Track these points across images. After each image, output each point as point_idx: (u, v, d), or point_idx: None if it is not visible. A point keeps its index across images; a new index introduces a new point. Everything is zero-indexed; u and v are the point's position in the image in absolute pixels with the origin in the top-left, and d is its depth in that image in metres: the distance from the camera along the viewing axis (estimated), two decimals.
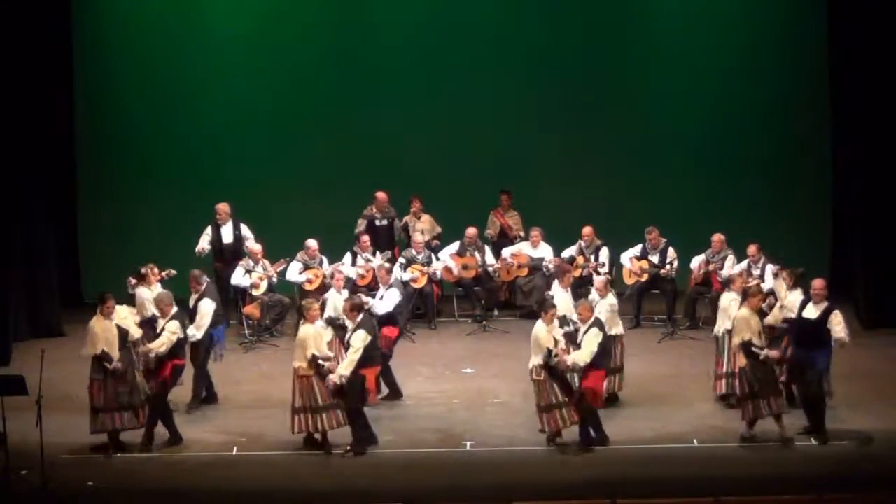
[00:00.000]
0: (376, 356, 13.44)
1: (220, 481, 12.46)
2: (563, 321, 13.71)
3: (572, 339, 13.37)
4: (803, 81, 18.58)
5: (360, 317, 13.28)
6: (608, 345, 13.37)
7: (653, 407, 14.09)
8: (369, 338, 13.13)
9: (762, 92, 18.69)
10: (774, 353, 13.03)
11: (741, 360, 13.05)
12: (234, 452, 13.11)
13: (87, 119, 18.45)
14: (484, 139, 18.81)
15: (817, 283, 13.25)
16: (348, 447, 13.04)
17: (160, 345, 13.20)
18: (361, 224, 17.80)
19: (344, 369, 12.93)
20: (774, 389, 13.03)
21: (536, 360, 12.87)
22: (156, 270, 14.68)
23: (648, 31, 18.92)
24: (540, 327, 12.95)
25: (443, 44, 18.89)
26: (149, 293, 14.37)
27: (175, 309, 13.47)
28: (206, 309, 14.10)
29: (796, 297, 13.49)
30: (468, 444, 13.23)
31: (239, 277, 16.59)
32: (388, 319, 14.59)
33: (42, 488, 12.07)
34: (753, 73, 18.67)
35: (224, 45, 18.77)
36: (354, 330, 13.17)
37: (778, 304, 13.76)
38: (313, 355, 12.87)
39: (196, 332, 13.92)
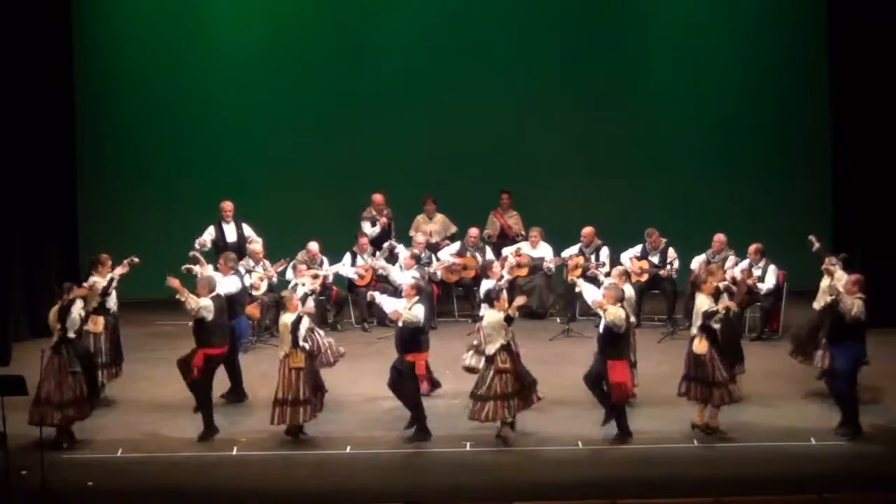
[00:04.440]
0: (424, 341, 13.44)
1: (220, 481, 12.45)
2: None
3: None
4: (804, 82, 18.62)
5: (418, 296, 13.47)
6: (628, 333, 13.35)
7: (653, 407, 14.08)
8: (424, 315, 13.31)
9: (763, 92, 18.74)
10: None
11: (700, 347, 13.08)
12: (234, 452, 13.11)
13: (87, 119, 18.45)
14: (484, 139, 18.83)
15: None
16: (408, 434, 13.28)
17: (192, 299, 13.28)
18: (367, 226, 17.84)
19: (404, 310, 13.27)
20: (726, 382, 13.15)
21: (494, 347, 12.99)
22: (105, 259, 14.60)
23: (649, 32, 18.96)
24: (492, 314, 13.08)
25: (444, 44, 18.93)
26: (101, 280, 14.35)
27: (214, 294, 13.51)
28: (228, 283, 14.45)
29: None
30: (468, 444, 13.23)
31: None
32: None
33: (42, 488, 12.07)
34: (754, 74, 18.72)
35: (224, 45, 18.80)
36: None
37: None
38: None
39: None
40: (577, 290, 14.55)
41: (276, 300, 16.64)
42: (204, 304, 13.30)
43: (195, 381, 13.37)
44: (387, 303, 14.04)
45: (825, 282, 14.05)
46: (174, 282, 13.45)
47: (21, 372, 12.79)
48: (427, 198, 18.27)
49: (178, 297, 13.36)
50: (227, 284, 14.48)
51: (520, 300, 13.44)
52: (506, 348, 13.09)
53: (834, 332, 13.30)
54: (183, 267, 15.02)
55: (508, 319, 13.07)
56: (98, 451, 13.12)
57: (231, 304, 14.25)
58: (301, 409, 13.07)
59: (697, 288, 13.52)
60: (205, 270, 14.68)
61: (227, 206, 17.28)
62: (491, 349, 13.08)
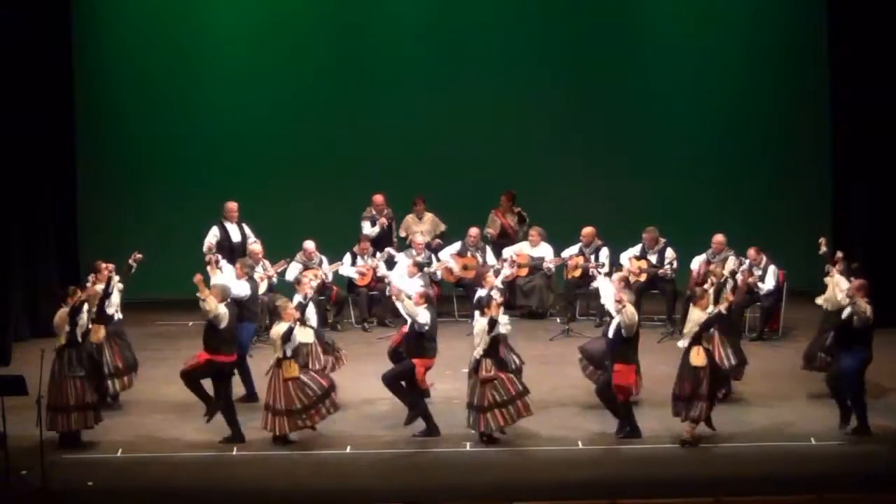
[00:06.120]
0: (430, 348, 13.44)
1: (220, 481, 12.46)
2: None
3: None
4: (805, 82, 18.61)
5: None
6: (637, 337, 13.32)
7: (652, 407, 14.08)
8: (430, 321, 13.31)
9: (763, 92, 18.73)
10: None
11: (698, 360, 13.02)
12: (234, 452, 13.11)
13: (87, 119, 18.44)
14: (485, 139, 18.84)
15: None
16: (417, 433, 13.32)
17: (212, 301, 13.14)
18: (367, 226, 17.83)
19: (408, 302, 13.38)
20: (708, 398, 13.07)
21: (478, 353, 13.03)
22: (101, 266, 14.52)
23: (649, 31, 18.97)
24: (481, 322, 13.09)
25: (443, 44, 18.94)
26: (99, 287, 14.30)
27: (227, 302, 13.45)
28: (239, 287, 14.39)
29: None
30: (468, 444, 13.23)
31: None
32: None
33: (42, 488, 12.07)
34: (755, 74, 18.73)
35: (224, 45, 18.81)
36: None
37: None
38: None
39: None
40: (595, 284, 14.56)
41: (272, 305, 16.70)
42: (222, 312, 13.23)
43: (217, 388, 13.28)
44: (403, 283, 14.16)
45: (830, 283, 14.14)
46: (199, 280, 13.32)
47: (21, 372, 12.79)
48: (417, 198, 18.24)
49: (198, 295, 13.28)
50: (238, 288, 14.44)
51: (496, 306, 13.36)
52: (492, 355, 13.05)
53: (842, 337, 13.29)
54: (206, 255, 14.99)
55: (492, 323, 13.03)
56: (98, 451, 13.13)
57: (239, 310, 14.20)
58: (293, 420, 13.02)
59: (693, 301, 13.45)
60: (216, 277, 14.58)
61: (233, 206, 17.21)
62: (476, 355, 13.07)
